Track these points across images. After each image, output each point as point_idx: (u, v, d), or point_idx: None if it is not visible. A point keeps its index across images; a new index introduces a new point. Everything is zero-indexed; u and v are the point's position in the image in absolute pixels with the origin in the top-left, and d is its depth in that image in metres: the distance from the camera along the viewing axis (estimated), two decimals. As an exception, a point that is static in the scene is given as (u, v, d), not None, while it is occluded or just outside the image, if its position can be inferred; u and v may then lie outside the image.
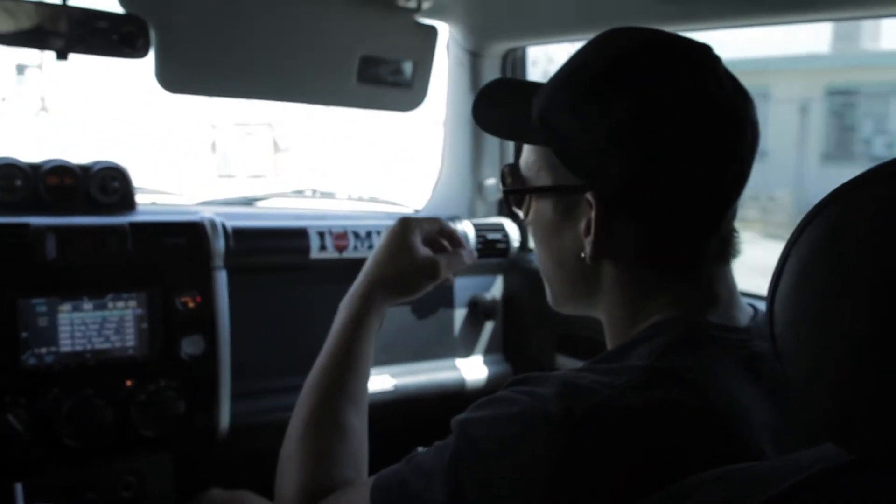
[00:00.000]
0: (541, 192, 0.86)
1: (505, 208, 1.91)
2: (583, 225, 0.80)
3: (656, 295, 0.80)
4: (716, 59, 0.79)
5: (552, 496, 0.66)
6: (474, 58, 1.81)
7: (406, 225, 1.16)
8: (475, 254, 1.24)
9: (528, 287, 1.84)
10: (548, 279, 0.91)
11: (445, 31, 1.79)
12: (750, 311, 0.83)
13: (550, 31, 1.68)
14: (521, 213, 0.91)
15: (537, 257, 0.92)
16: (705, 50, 0.79)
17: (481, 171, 1.87)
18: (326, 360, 1.09)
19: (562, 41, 1.71)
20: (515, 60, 1.85)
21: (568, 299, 0.90)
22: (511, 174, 0.91)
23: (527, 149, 0.88)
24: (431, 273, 1.15)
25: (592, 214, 0.78)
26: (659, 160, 0.75)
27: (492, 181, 1.85)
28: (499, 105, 0.93)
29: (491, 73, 1.83)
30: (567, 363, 1.72)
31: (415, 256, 1.14)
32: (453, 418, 0.76)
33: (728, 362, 0.75)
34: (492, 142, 1.84)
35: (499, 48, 1.80)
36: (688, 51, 0.79)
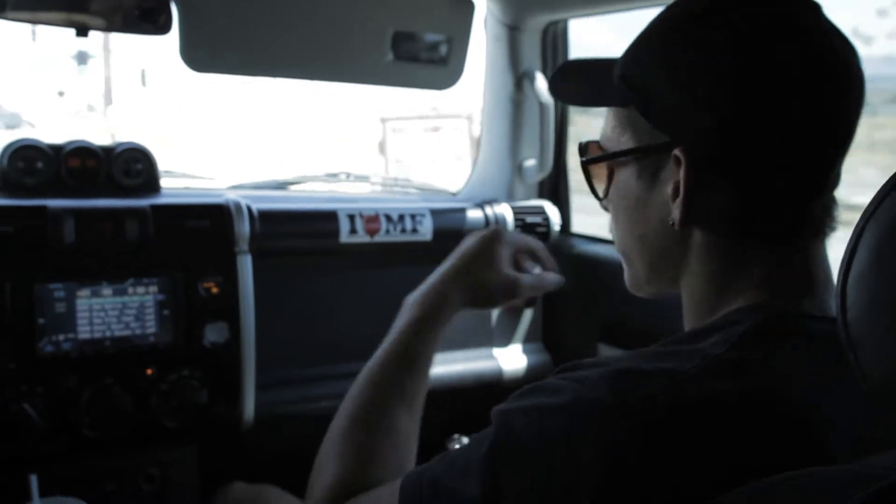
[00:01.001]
0: (624, 155, 0.78)
1: (546, 190, 1.83)
2: (670, 189, 0.72)
3: (745, 271, 0.72)
4: (817, 7, 0.71)
5: (602, 495, 0.59)
6: (513, 32, 1.73)
7: (497, 236, 1.11)
8: (562, 280, 1.19)
9: (569, 273, 1.75)
10: (629, 259, 0.83)
11: (482, 5, 1.71)
12: None
13: (594, 1, 1.59)
14: (600, 192, 0.84)
15: (617, 237, 0.84)
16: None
17: (521, 151, 1.79)
18: (385, 357, 1.02)
19: (606, 12, 1.61)
20: (557, 35, 1.76)
21: (651, 279, 0.81)
22: (590, 147, 0.84)
23: (607, 119, 0.81)
24: (510, 292, 1.10)
25: (682, 173, 0.70)
26: (757, 111, 0.67)
27: (531, 162, 1.76)
28: (576, 79, 0.87)
29: (531, 48, 1.75)
30: (610, 353, 1.64)
31: (498, 270, 1.09)
32: (494, 408, 0.69)
33: (818, 356, 0.67)
34: (532, 121, 1.76)
35: (539, 21, 1.71)
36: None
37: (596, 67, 0.83)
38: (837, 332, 0.68)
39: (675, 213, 0.72)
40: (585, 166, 0.84)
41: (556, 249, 1.76)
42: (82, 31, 1.32)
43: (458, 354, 1.66)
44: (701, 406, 0.61)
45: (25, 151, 1.33)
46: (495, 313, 1.71)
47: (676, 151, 0.70)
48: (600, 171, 0.82)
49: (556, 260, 1.76)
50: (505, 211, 1.67)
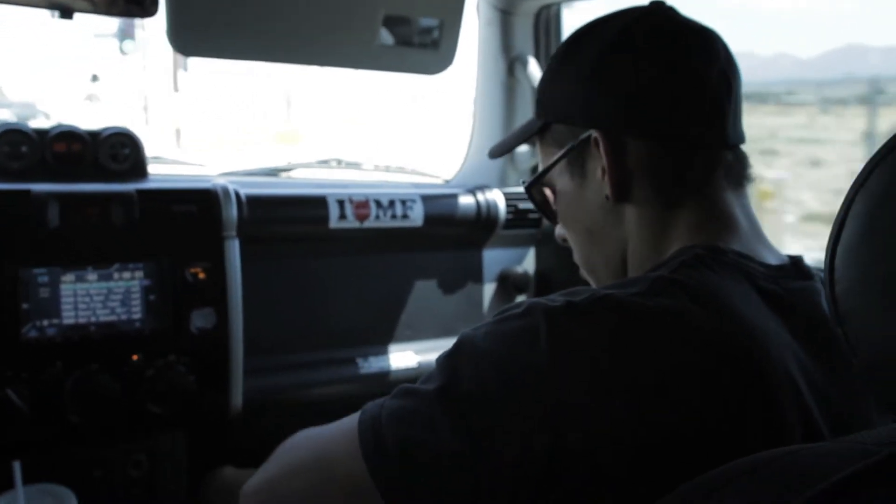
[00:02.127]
0: (555, 164, 0.88)
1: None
2: (599, 172, 0.82)
3: (676, 224, 0.80)
4: (671, 8, 0.86)
5: (546, 383, 0.64)
6: (505, 16, 1.71)
7: None
8: None
9: (561, 259, 1.75)
10: (593, 267, 0.90)
11: (475, -12, 1.69)
12: (783, 257, 0.82)
13: (586, -16, 1.58)
14: (552, 211, 0.93)
15: (578, 253, 0.92)
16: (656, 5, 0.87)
17: (513, 137, 1.77)
18: None
19: (598, -4, 1.60)
20: (549, 18, 1.75)
21: (610, 276, 0.87)
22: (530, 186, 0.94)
23: (539, 161, 0.93)
24: None
25: (601, 150, 0.81)
26: (646, 81, 0.80)
27: (524, 148, 1.75)
28: (507, 147, 1.02)
29: (523, 32, 1.73)
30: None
31: None
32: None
33: (747, 288, 0.73)
34: (524, 106, 1.74)
35: (531, 5, 1.70)
36: (640, 8, 0.86)
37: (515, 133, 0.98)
38: (774, 277, 0.76)
39: (607, 188, 0.81)
40: (531, 193, 0.94)
41: (548, 235, 1.75)
42: (66, 14, 1.29)
43: (449, 341, 1.62)
44: (639, 313, 0.66)
45: (10, 136, 1.31)
46: (487, 298, 1.70)
47: (594, 134, 0.81)
48: (543, 195, 0.94)
49: (549, 246, 1.76)
50: (497, 197, 1.66)
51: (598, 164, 0.82)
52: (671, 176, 0.81)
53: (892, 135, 0.46)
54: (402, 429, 0.68)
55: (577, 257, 0.92)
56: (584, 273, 0.93)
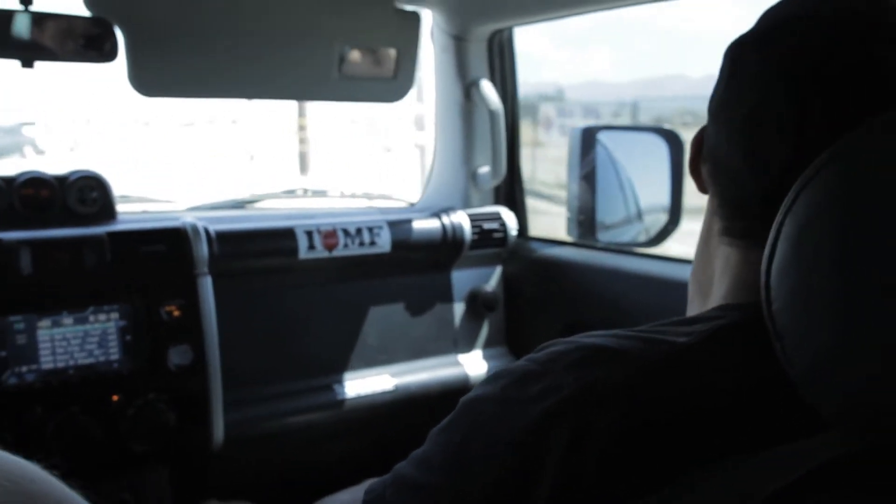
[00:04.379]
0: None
1: (502, 196, 1.86)
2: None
3: (737, 270, 0.69)
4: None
5: (561, 485, 0.59)
6: (459, 42, 1.75)
7: None
8: None
9: (528, 276, 1.79)
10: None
11: (429, 17, 1.73)
12: None
13: (536, 9, 1.62)
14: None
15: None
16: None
17: (474, 159, 1.81)
18: None
19: (549, 19, 1.65)
20: (503, 43, 1.80)
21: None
22: None
23: None
24: None
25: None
26: (724, 129, 0.66)
27: (485, 169, 1.79)
28: None
29: (477, 57, 1.77)
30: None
31: None
32: (462, 398, 0.69)
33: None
34: (483, 129, 1.78)
35: (484, 30, 1.74)
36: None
37: None
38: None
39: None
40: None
41: (514, 254, 1.79)
42: (28, 63, 1.31)
43: (423, 363, 1.68)
44: (662, 401, 0.60)
45: (-23, 185, 1.33)
46: (458, 318, 1.73)
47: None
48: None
49: (515, 263, 1.80)
50: (462, 219, 1.70)
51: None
52: (727, 218, 0.71)
53: (813, 163, 0.51)
54: None
55: None
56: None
